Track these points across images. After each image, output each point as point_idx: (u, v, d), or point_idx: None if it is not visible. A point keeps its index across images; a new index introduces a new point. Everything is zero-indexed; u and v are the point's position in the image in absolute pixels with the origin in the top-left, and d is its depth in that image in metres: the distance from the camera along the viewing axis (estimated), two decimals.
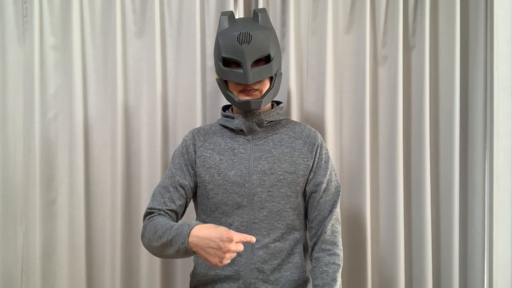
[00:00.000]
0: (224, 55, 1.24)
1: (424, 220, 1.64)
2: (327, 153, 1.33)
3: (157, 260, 1.61)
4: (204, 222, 1.28)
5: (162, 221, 1.18)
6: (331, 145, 1.63)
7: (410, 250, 1.70)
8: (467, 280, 1.72)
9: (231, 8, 1.61)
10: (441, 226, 1.71)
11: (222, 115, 1.37)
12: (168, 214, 1.25)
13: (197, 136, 1.34)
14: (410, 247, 1.70)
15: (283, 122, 1.35)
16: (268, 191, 1.24)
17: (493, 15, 1.65)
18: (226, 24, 1.28)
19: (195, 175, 1.29)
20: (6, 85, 1.62)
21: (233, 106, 1.37)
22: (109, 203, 1.63)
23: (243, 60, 1.21)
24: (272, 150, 1.28)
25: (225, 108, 1.41)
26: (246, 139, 1.30)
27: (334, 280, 1.21)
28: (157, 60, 1.61)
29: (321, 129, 1.61)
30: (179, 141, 1.63)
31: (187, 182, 1.28)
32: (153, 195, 1.28)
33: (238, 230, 1.23)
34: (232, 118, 1.32)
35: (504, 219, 1.67)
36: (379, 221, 1.69)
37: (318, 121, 1.64)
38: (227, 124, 1.32)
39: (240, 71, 1.22)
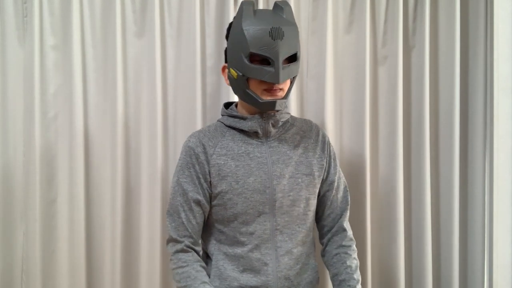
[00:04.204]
0: (253, 50, 1.09)
1: (424, 220, 1.64)
2: (333, 150, 1.32)
3: (157, 260, 1.61)
4: (221, 232, 1.21)
5: (187, 274, 1.16)
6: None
7: (410, 250, 1.70)
8: (467, 280, 1.72)
9: (231, 8, 1.61)
10: (441, 226, 1.71)
11: (228, 115, 1.25)
12: (190, 247, 1.20)
13: (205, 141, 1.20)
14: (410, 247, 1.70)
15: (290, 120, 1.29)
16: (289, 195, 1.18)
17: (493, 15, 1.65)
18: (251, 14, 1.13)
19: (209, 187, 1.19)
20: (6, 85, 1.62)
21: (236, 105, 1.28)
22: (109, 203, 1.63)
23: (276, 57, 1.09)
24: (288, 152, 1.22)
25: (226, 107, 1.31)
26: (260, 141, 1.21)
27: (357, 274, 1.24)
28: (157, 60, 1.61)
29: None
30: (179, 141, 1.62)
31: (201, 197, 1.18)
32: (170, 221, 1.21)
33: (261, 238, 1.17)
34: (243, 118, 1.20)
35: (504, 219, 1.67)
36: (379, 221, 1.69)
37: (318, 121, 1.63)
38: (238, 126, 1.20)
39: (270, 69, 1.10)
